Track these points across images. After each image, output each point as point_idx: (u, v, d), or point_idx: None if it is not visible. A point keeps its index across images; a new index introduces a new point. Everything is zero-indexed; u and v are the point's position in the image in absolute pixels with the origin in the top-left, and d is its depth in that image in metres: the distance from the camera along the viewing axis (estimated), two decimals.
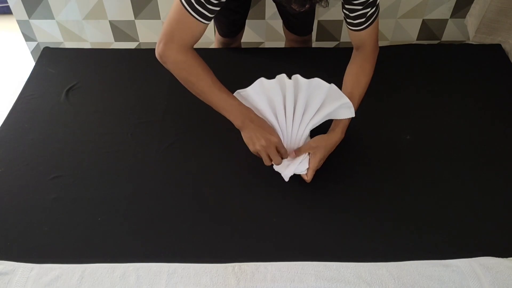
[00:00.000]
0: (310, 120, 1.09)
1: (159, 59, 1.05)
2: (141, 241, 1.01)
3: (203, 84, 1.04)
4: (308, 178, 1.07)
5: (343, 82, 1.15)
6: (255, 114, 1.07)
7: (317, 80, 1.07)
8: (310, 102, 1.08)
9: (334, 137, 1.10)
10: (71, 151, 1.21)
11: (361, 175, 1.14)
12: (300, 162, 1.07)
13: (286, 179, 1.08)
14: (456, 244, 1.00)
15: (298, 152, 1.08)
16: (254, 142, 1.05)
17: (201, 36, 1.04)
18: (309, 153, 1.08)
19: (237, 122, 1.06)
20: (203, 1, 0.97)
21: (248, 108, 1.07)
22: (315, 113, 1.09)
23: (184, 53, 1.03)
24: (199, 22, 1.00)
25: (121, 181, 1.13)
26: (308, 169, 1.07)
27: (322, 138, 1.10)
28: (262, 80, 1.08)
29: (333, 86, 1.09)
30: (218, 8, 1.00)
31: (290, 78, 1.14)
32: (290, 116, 1.08)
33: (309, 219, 1.05)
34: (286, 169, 1.07)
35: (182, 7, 0.98)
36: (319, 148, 1.07)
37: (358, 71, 1.14)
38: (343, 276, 0.91)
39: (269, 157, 1.05)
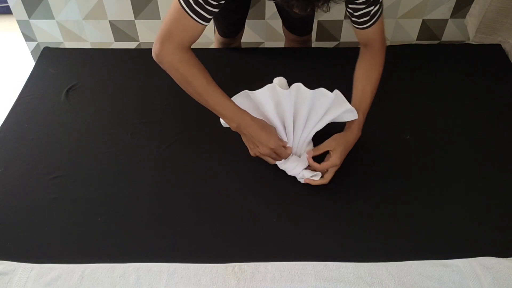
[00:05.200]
0: (314, 127, 1.09)
1: (155, 59, 1.04)
2: (141, 241, 1.01)
3: (197, 85, 1.03)
4: (326, 178, 1.06)
5: (354, 79, 1.15)
6: (251, 117, 1.06)
7: (321, 90, 1.06)
8: (314, 110, 1.08)
9: (351, 135, 1.10)
10: (71, 151, 1.21)
11: (361, 175, 1.14)
12: (305, 169, 1.09)
13: (289, 173, 1.10)
14: (456, 244, 1.00)
15: (316, 151, 1.07)
16: (251, 148, 1.07)
17: (199, 36, 1.03)
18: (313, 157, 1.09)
19: (232, 125, 1.06)
20: (202, 2, 0.96)
21: (243, 111, 1.06)
22: (319, 120, 1.09)
23: (181, 53, 1.02)
24: (198, 23, 0.99)
25: (121, 181, 1.13)
26: (326, 170, 1.07)
27: (340, 136, 1.10)
28: (246, 92, 1.08)
29: (337, 93, 1.09)
30: (216, 10, 0.99)
31: (288, 80, 1.14)
32: (290, 123, 1.08)
33: (309, 219, 1.05)
34: (293, 170, 1.09)
35: (181, 7, 0.97)
36: (339, 145, 1.07)
37: (368, 67, 1.14)
38: (343, 276, 0.91)
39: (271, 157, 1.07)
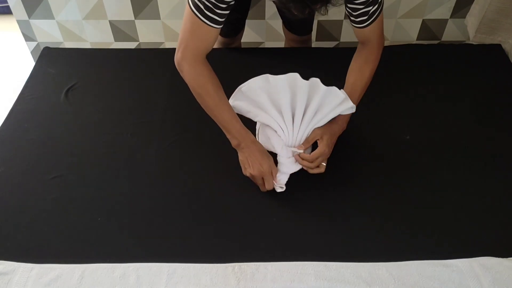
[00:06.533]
0: (317, 123, 1.10)
1: (176, 66, 1.08)
2: (141, 241, 1.01)
3: (209, 100, 1.07)
4: (320, 167, 1.09)
5: (347, 74, 1.17)
6: (253, 139, 1.09)
7: (334, 89, 1.09)
8: (322, 107, 1.09)
9: (336, 125, 1.14)
10: (71, 151, 1.21)
11: (361, 175, 1.14)
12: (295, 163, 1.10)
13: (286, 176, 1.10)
14: (456, 244, 1.00)
15: (306, 143, 1.10)
16: (245, 167, 1.09)
17: (214, 42, 1.07)
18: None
19: (233, 142, 1.10)
20: (212, 7, 0.98)
21: (247, 131, 1.09)
22: (323, 117, 1.10)
23: (198, 64, 1.06)
24: (211, 27, 1.02)
25: (121, 181, 1.13)
26: (316, 158, 1.09)
27: (326, 125, 1.12)
28: (267, 76, 1.10)
29: (343, 92, 1.11)
30: (227, 12, 1.02)
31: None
32: (299, 116, 1.09)
33: (309, 219, 1.05)
34: (293, 165, 1.10)
35: (194, 15, 1.00)
36: (325, 133, 1.10)
37: (362, 63, 1.15)
38: (343, 276, 0.91)
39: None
